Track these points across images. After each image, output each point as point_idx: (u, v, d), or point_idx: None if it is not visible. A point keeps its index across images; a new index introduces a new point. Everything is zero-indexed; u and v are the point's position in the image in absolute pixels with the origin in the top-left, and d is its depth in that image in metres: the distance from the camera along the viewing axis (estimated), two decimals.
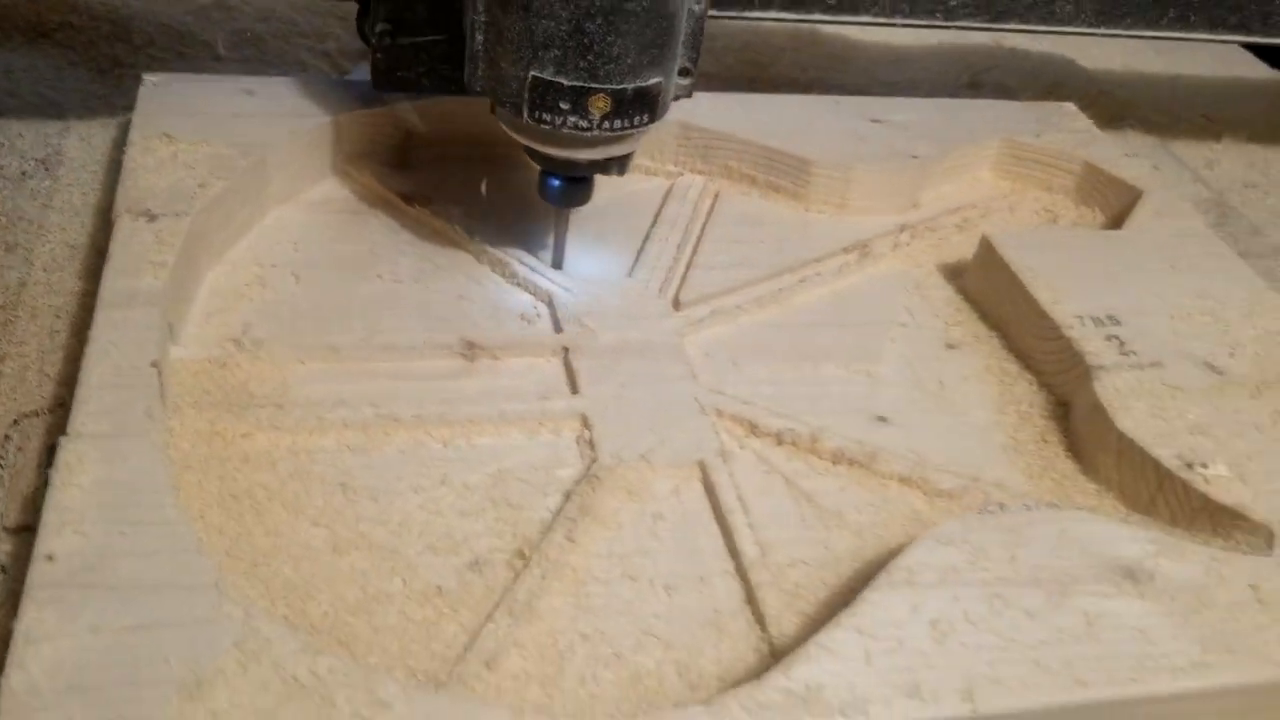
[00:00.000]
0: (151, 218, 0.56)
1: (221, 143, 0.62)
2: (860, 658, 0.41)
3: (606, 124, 0.55)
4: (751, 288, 0.64)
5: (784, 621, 0.46)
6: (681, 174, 0.73)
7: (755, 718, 0.39)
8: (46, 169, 0.67)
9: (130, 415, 0.46)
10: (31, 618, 0.38)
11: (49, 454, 0.47)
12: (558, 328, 0.59)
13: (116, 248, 0.54)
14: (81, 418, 0.45)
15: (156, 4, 0.80)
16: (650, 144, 0.71)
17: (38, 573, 0.39)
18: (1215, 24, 0.78)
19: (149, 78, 0.67)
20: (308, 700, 0.37)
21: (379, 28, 0.61)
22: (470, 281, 0.62)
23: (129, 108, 0.65)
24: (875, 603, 0.44)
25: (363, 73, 0.77)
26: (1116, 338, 0.59)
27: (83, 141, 0.70)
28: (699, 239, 0.67)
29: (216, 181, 0.59)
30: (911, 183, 0.72)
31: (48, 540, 0.40)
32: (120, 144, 0.66)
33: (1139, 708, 0.43)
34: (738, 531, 0.49)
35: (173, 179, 0.58)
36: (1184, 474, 0.52)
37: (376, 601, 0.45)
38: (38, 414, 0.52)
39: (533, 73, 0.54)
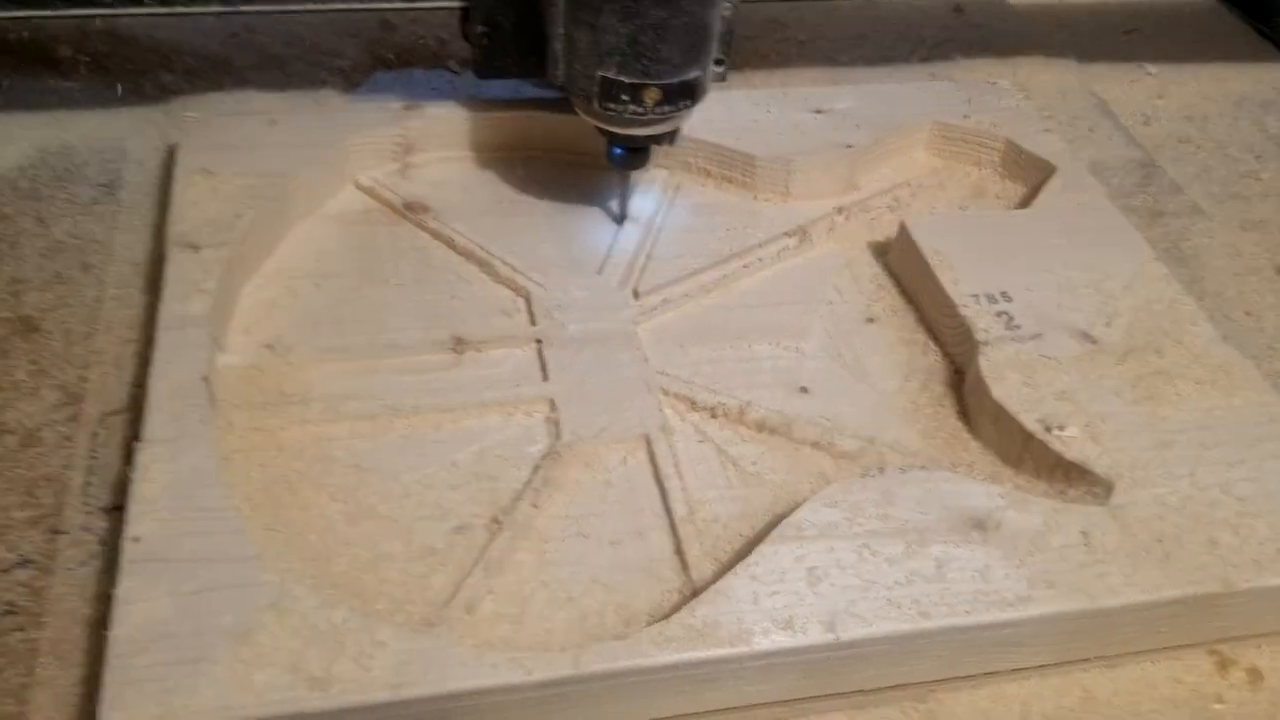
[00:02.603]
0: (197, 249, 0.68)
1: (251, 173, 0.74)
2: (749, 599, 0.54)
3: (657, 109, 0.71)
4: (700, 275, 0.75)
5: (703, 568, 0.58)
6: (648, 170, 0.83)
7: (661, 649, 0.51)
8: (111, 193, 0.80)
9: (188, 422, 0.59)
10: (125, 586, 0.51)
11: (129, 450, 0.60)
12: (533, 321, 0.71)
13: (169, 277, 0.67)
14: (151, 425, 0.58)
15: (194, 35, 0.91)
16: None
17: (128, 551, 0.53)
18: None
19: (189, 115, 0.79)
20: (325, 643, 0.50)
21: (479, 29, 0.77)
22: (460, 281, 0.74)
23: (175, 128, 0.76)
24: (766, 554, 0.56)
25: (372, 85, 0.89)
26: (1006, 314, 0.70)
27: (139, 166, 0.82)
28: (658, 232, 0.78)
29: (248, 211, 0.71)
30: (848, 168, 0.82)
31: (134, 525, 0.54)
32: (169, 167, 0.78)
33: (973, 634, 0.55)
34: (671, 494, 0.62)
35: (212, 212, 0.71)
36: (1043, 436, 0.63)
37: (382, 560, 0.58)
38: (118, 412, 0.66)
39: (600, 73, 0.70)
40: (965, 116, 0.85)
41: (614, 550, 0.59)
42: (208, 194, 0.72)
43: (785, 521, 0.57)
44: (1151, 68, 1.01)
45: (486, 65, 0.79)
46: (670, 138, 0.76)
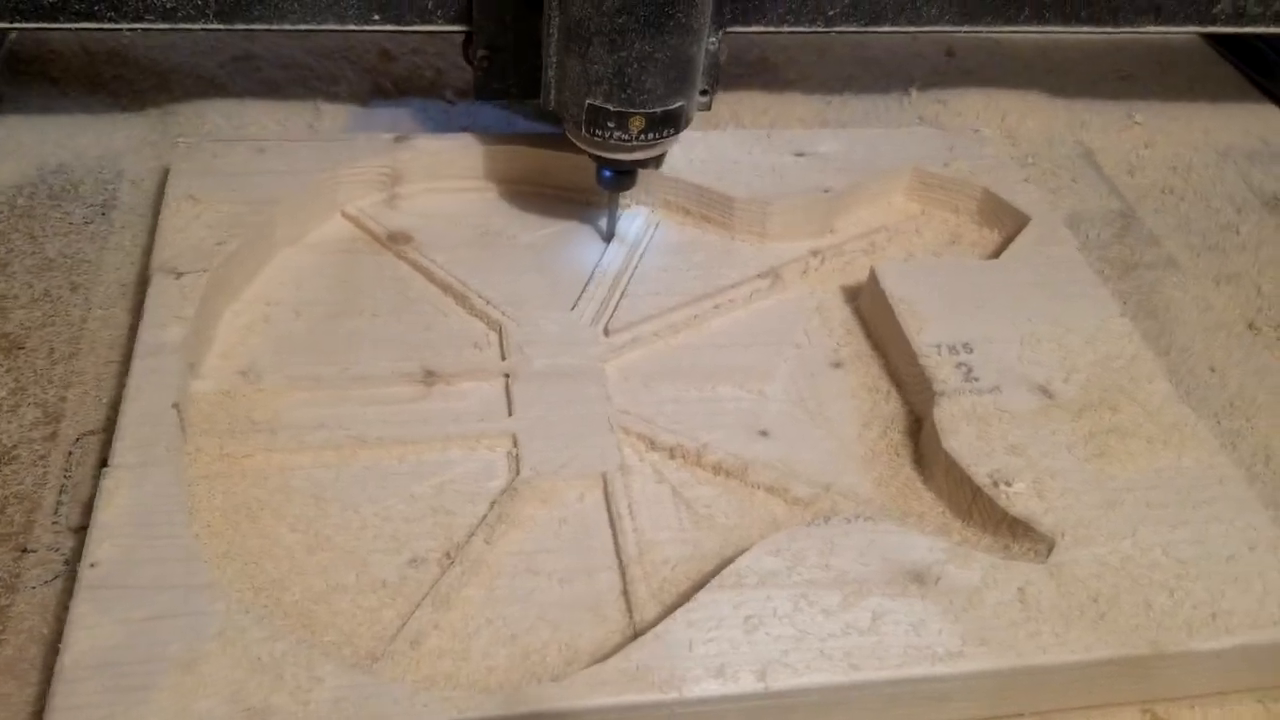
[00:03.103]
0: (178, 275, 0.70)
1: (237, 200, 0.76)
2: (684, 645, 0.55)
3: (642, 137, 0.74)
4: (671, 314, 0.77)
5: (648, 610, 0.60)
6: (630, 205, 0.85)
7: (593, 692, 0.53)
8: (104, 213, 0.82)
9: (155, 449, 0.61)
10: (78, 611, 0.53)
11: (101, 469, 0.62)
12: (504, 355, 0.73)
13: (150, 303, 0.69)
14: (119, 451, 0.60)
15: (193, 57, 0.94)
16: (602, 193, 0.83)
17: (84, 576, 0.55)
18: (1068, 18, 0.88)
19: (181, 141, 0.81)
20: (265, 675, 0.52)
21: (480, 53, 0.80)
22: (436, 313, 0.76)
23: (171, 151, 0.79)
24: (705, 601, 0.57)
25: (368, 115, 0.91)
26: (965, 365, 0.71)
27: (134, 186, 0.84)
28: (635, 269, 0.80)
29: (232, 238, 0.73)
30: (824, 212, 0.83)
31: (92, 550, 0.56)
32: (163, 190, 0.80)
33: (903, 687, 0.56)
34: (623, 534, 0.63)
35: (196, 238, 0.73)
36: (990, 490, 0.64)
37: (335, 592, 0.59)
38: (94, 433, 0.68)
39: (588, 101, 0.73)
40: (945, 164, 0.86)
41: (562, 588, 0.61)
42: (193, 220, 0.74)
43: (727, 569, 0.59)
44: (1140, 116, 1.02)
45: (485, 87, 0.82)
46: (656, 162, 0.79)
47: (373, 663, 0.56)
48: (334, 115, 0.92)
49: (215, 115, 0.90)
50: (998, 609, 0.58)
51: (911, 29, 0.87)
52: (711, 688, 0.54)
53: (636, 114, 0.73)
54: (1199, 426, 0.68)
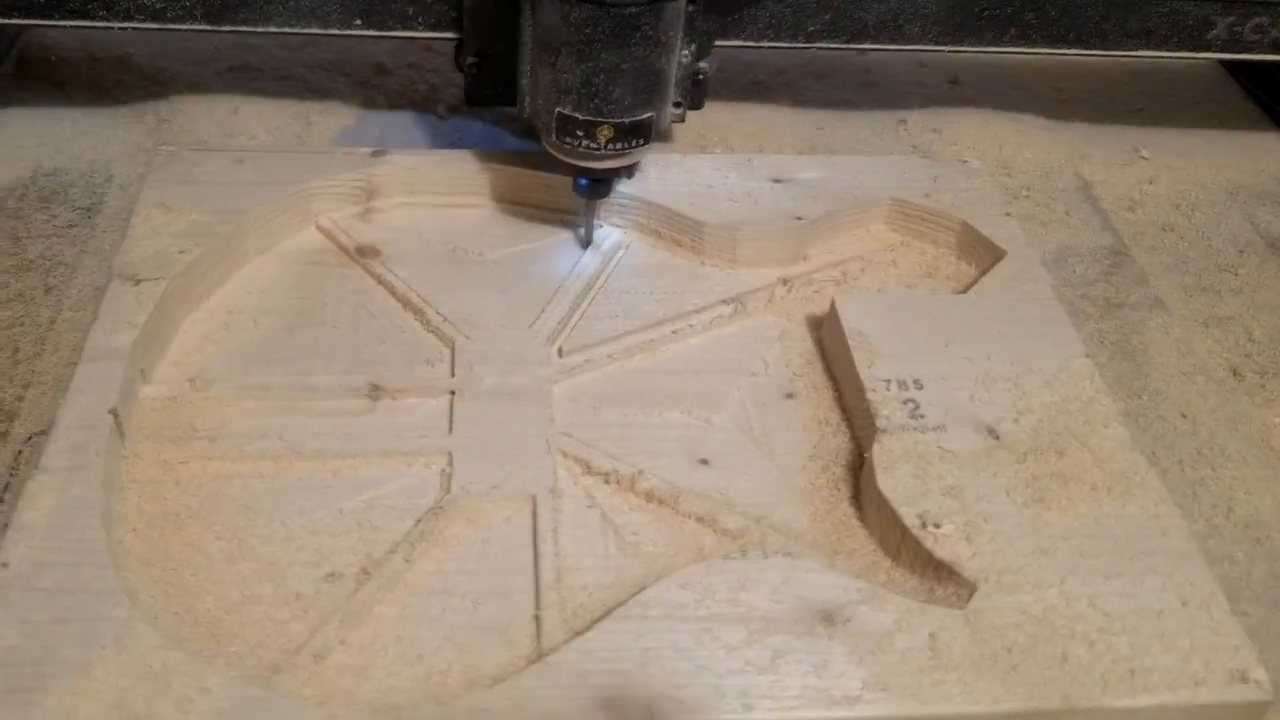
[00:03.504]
0: (137, 282, 0.72)
1: (208, 209, 0.78)
2: (576, 675, 0.55)
3: (610, 146, 0.76)
4: (628, 337, 0.76)
5: (556, 636, 0.59)
6: (602, 226, 0.85)
7: (475, 717, 0.53)
8: (89, 217, 0.84)
9: (86, 454, 0.62)
10: None
11: None
12: (453, 372, 0.73)
13: (104, 309, 0.70)
14: (49, 454, 0.62)
15: (192, 66, 0.96)
16: (578, 200, 0.84)
17: None
18: (1055, 40, 0.86)
19: (163, 149, 0.83)
20: (154, 683, 0.52)
21: (469, 60, 0.83)
22: (393, 327, 0.76)
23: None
24: (607, 630, 0.57)
25: (358, 127, 0.92)
26: (913, 401, 0.69)
27: (122, 191, 0.86)
28: (597, 290, 0.80)
29: (195, 247, 0.74)
30: (797, 239, 0.82)
31: (6, 550, 0.57)
32: None
33: None
34: (543, 558, 0.63)
35: (160, 245, 0.74)
36: (918, 531, 0.62)
37: (249, 603, 0.60)
38: (45, 433, 0.69)
39: (558, 109, 0.75)
40: (926, 195, 0.85)
41: (475, 610, 0.61)
42: (160, 228, 0.76)
43: (633, 600, 0.58)
44: (1147, 150, 0.99)
45: (475, 93, 0.84)
46: (629, 172, 0.82)
47: (272, 675, 0.56)
48: (324, 127, 0.93)
49: (208, 124, 0.92)
50: (906, 654, 0.57)
51: (893, 47, 0.86)
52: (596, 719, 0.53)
53: (604, 123, 0.74)
54: (1149, 475, 0.66)
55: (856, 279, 0.83)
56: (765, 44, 0.85)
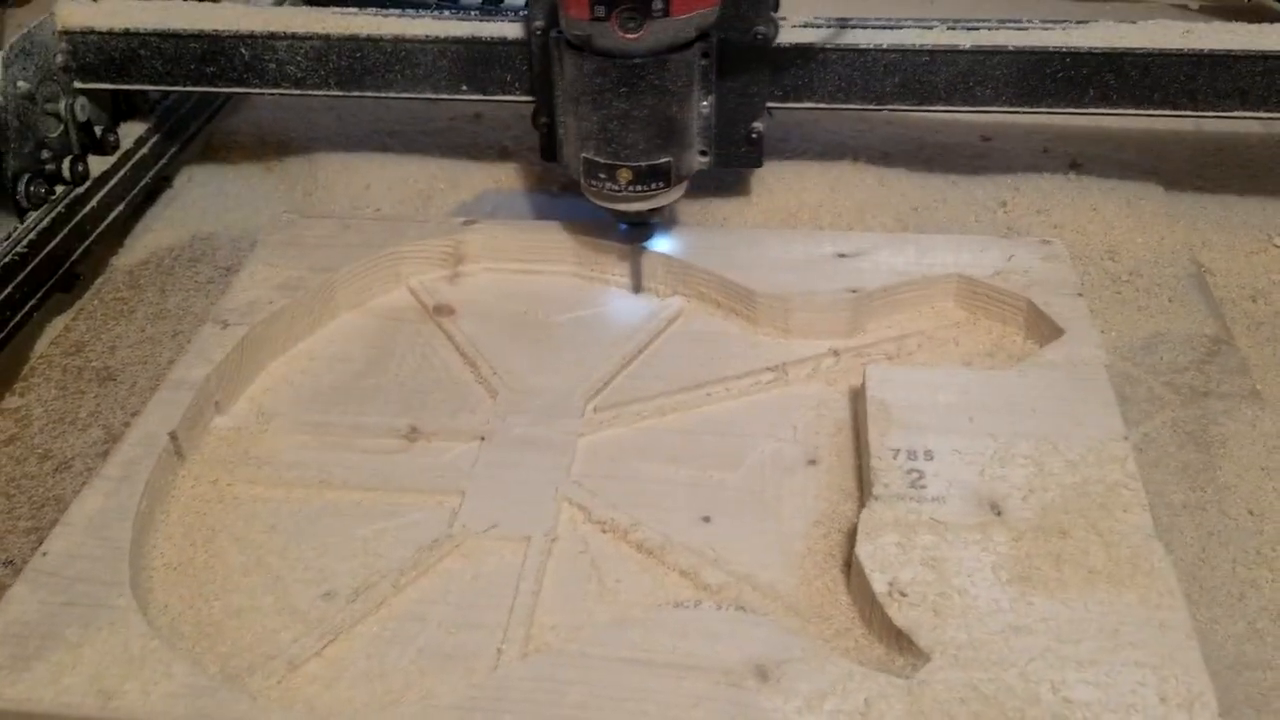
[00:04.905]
0: (225, 325, 0.81)
1: (304, 266, 0.86)
2: (494, 710, 0.57)
3: (631, 188, 0.82)
4: (662, 398, 0.78)
5: (511, 669, 0.62)
6: (672, 294, 0.88)
7: None
8: (226, 275, 0.95)
9: (137, 468, 0.70)
10: (15, 589, 0.63)
11: None
12: (488, 420, 0.77)
13: (191, 346, 0.79)
14: (107, 466, 0.71)
15: (340, 150, 1.07)
16: (647, 270, 0.87)
17: (34, 561, 0.65)
18: (1139, 101, 0.82)
19: (285, 214, 0.93)
20: (130, 664, 0.59)
21: (542, 119, 0.91)
22: (448, 378, 0.81)
23: None
24: (539, 666, 0.59)
25: (476, 202, 1.00)
26: (918, 471, 0.68)
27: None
28: (643, 351, 0.82)
29: (281, 299, 0.83)
30: (851, 312, 0.82)
31: (49, 542, 0.66)
32: None
33: None
34: (521, 595, 0.65)
35: (254, 296, 0.83)
36: (884, 599, 0.61)
37: (250, 611, 0.66)
38: None
39: (583, 154, 0.82)
40: (996, 273, 0.83)
41: (445, 639, 0.64)
42: (261, 281, 0.85)
43: (584, 638, 0.60)
44: None
45: (548, 150, 0.92)
46: (659, 214, 0.87)
47: (246, 675, 0.61)
48: (442, 203, 1.01)
49: (344, 197, 1.02)
50: (833, 715, 0.55)
51: (965, 109, 0.85)
52: None
53: (623, 166, 0.81)
54: (1162, 564, 0.62)
55: (912, 354, 0.81)
56: (836, 105, 0.87)
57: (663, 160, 0.80)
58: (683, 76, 0.78)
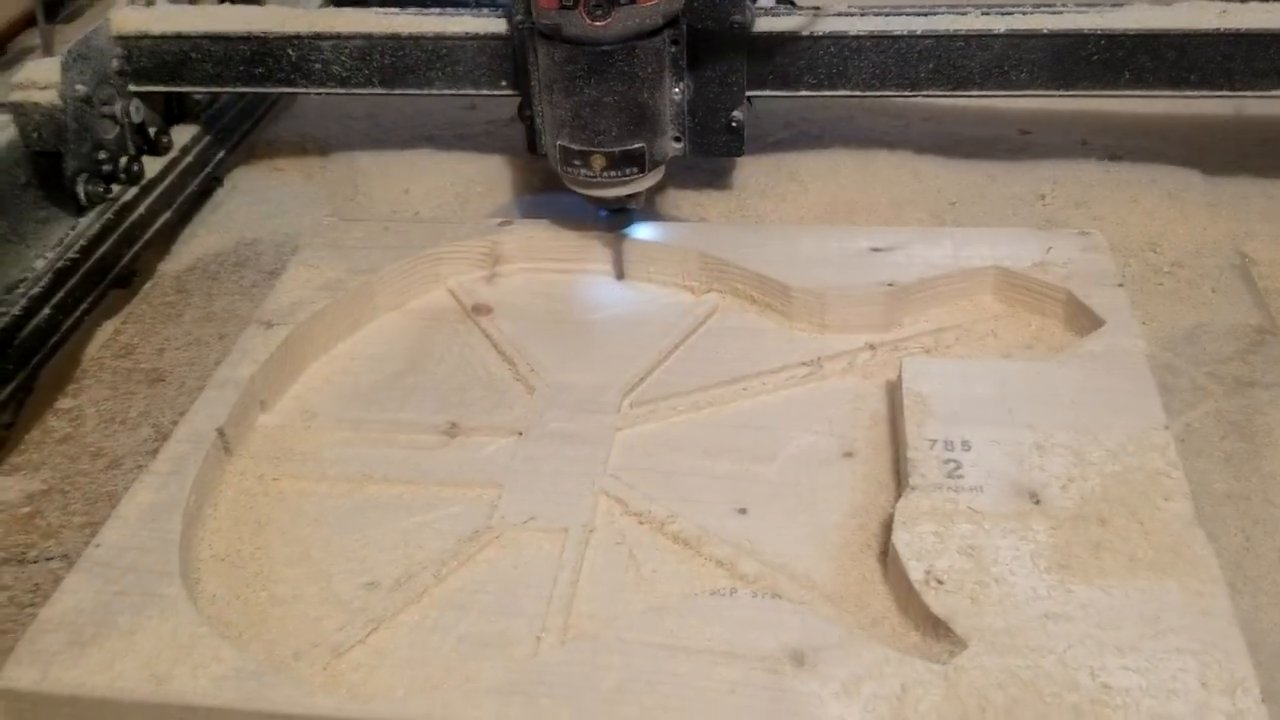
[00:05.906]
0: (269, 326, 0.82)
1: (344, 268, 0.88)
2: (534, 693, 0.57)
3: (605, 174, 0.84)
4: (698, 393, 0.79)
5: (549, 657, 0.62)
6: (708, 291, 0.88)
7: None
8: (270, 279, 0.97)
9: (186, 463, 0.72)
10: (70, 579, 0.65)
11: None
12: (526, 416, 0.78)
13: (236, 346, 0.81)
14: (158, 461, 0.72)
15: (381, 157, 1.09)
16: (683, 267, 0.88)
17: (87, 553, 0.66)
18: (1176, 82, 0.82)
19: (326, 218, 0.94)
20: (180, 650, 0.60)
21: (527, 112, 0.93)
22: (487, 375, 0.82)
23: None
24: (575, 653, 0.59)
25: (518, 205, 1.01)
26: (955, 462, 0.68)
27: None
28: (679, 347, 0.83)
29: (323, 300, 0.85)
30: (886, 305, 0.82)
31: (103, 534, 0.67)
32: None
33: None
34: (560, 585, 0.66)
35: (296, 297, 0.85)
36: (920, 586, 0.61)
37: (295, 600, 0.67)
38: None
39: (558, 141, 0.84)
40: (1035, 265, 0.83)
41: (486, 626, 0.65)
42: (303, 283, 0.87)
43: (610, 630, 0.60)
44: None
45: (532, 142, 0.94)
46: (636, 201, 0.89)
47: (294, 661, 0.63)
48: (479, 207, 1.03)
49: (384, 202, 1.04)
50: (871, 701, 0.56)
51: (1001, 93, 0.85)
52: None
53: (596, 152, 0.83)
54: (1203, 552, 0.61)
55: (950, 348, 0.81)
56: (871, 94, 0.87)
57: (635, 146, 0.82)
58: (652, 63, 0.81)
